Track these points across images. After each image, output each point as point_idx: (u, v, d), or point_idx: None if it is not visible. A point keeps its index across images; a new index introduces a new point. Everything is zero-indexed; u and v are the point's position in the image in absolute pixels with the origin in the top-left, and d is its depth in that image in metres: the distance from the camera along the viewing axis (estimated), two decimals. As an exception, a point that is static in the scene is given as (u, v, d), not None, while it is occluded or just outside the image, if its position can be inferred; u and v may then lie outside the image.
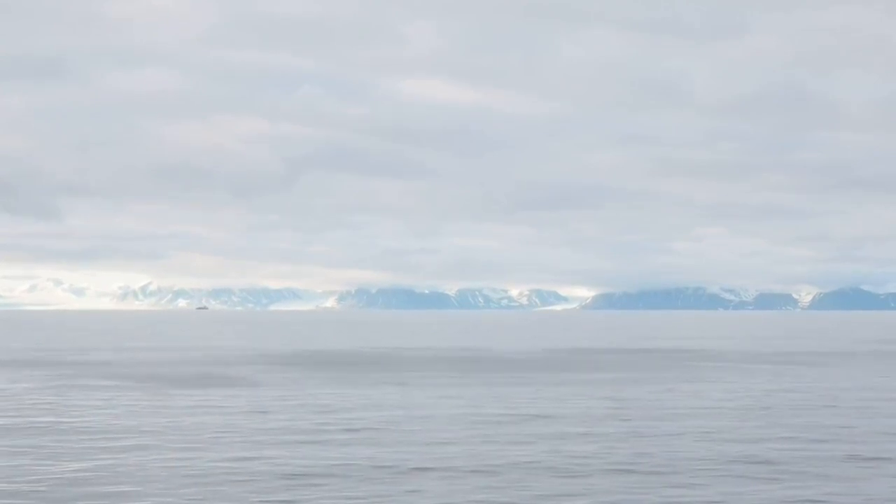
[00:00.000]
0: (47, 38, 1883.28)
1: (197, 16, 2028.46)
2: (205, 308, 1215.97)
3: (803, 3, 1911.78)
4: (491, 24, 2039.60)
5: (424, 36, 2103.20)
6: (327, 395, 59.26)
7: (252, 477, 31.85)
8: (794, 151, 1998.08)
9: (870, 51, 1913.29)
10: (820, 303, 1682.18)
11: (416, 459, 35.27)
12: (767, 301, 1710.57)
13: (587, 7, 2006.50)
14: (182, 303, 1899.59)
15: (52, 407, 51.99)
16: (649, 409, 51.70)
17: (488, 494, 29.67)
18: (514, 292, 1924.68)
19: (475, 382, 68.65)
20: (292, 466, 33.78)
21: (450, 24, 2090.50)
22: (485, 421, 46.56)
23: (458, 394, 60.15)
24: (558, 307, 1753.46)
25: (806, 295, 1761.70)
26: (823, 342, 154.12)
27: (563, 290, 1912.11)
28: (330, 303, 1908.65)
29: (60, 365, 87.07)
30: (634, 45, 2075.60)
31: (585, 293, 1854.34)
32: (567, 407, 52.93)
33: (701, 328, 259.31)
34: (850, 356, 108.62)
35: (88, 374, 75.08)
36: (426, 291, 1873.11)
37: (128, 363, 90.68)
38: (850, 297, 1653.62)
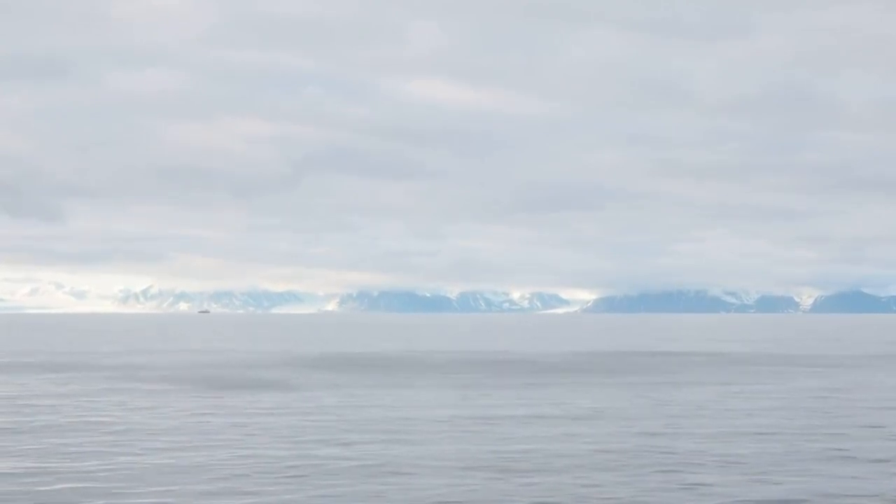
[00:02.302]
0: (47, 38, 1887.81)
1: (197, 16, 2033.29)
2: (207, 312, 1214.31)
3: (804, 3, 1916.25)
4: (492, 24, 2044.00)
5: (425, 36, 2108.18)
6: (384, 395, 59.53)
7: (344, 470, 32.33)
8: (795, 152, 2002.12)
9: (870, 51, 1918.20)
10: (821, 305, 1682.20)
11: (505, 456, 35.66)
12: (769, 304, 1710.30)
13: (588, 7, 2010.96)
14: (183, 306, 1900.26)
15: (120, 409, 52.42)
16: (722, 410, 52.18)
17: (592, 490, 30.10)
18: (515, 295, 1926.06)
19: (521, 384, 68.98)
20: (382, 460, 34.16)
21: (451, 24, 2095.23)
22: (552, 421, 46.95)
23: (515, 395, 60.48)
24: (560, 310, 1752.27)
25: (807, 298, 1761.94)
26: (844, 345, 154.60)
27: (564, 293, 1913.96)
28: (331, 306, 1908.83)
29: (98, 368, 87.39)
30: (635, 45, 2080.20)
31: (587, 296, 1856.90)
32: (629, 407, 53.32)
33: (712, 331, 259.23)
34: (879, 358, 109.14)
35: (133, 378, 75.46)
36: (428, 294, 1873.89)
37: (164, 366, 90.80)
38: (851, 300, 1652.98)
